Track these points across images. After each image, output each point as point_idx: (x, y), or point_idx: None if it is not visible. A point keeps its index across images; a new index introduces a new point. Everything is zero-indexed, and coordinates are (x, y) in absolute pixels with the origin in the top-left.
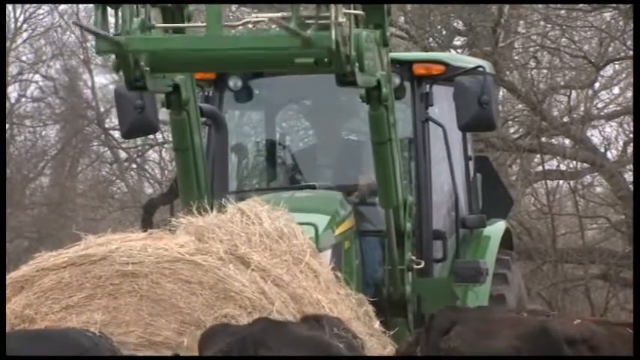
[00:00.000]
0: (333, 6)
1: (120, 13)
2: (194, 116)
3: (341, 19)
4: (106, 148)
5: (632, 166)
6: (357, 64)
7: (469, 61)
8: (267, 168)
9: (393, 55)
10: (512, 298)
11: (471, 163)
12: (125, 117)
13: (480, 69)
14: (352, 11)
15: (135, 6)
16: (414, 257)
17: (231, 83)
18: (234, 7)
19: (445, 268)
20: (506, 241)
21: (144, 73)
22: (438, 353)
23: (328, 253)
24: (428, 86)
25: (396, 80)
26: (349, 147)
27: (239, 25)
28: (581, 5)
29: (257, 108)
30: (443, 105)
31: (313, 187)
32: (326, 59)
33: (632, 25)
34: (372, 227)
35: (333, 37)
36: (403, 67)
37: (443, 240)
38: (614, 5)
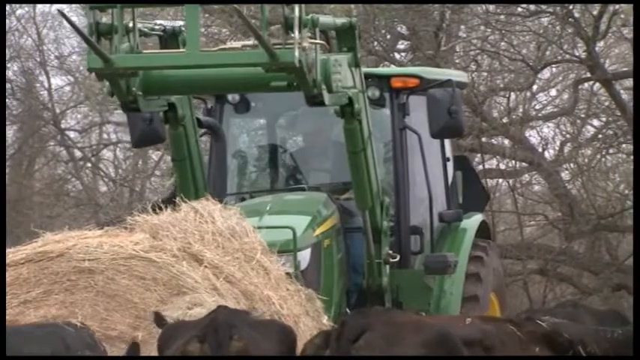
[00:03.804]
0: (297, 32)
1: (110, 41)
2: (191, 129)
3: (305, 44)
4: (62, 148)
5: (568, 165)
6: (324, 87)
7: (441, 74)
8: (263, 172)
9: (374, 70)
10: (488, 279)
11: (450, 164)
12: (135, 128)
13: (450, 81)
14: (316, 41)
15: (124, 33)
16: (390, 252)
17: (229, 97)
18: (204, 30)
19: (423, 260)
20: (484, 231)
21: (136, 97)
22: None
23: (308, 251)
24: (405, 97)
25: (376, 92)
26: (337, 151)
27: (215, 51)
28: (519, 10)
29: (254, 118)
30: (419, 113)
31: (303, 189)
32: (295, 83)
33: (568, 30)
34: (357, 224)
35: (296, 54)
36: (382, 80)
37: (420, 235)
38: (551, 10)
